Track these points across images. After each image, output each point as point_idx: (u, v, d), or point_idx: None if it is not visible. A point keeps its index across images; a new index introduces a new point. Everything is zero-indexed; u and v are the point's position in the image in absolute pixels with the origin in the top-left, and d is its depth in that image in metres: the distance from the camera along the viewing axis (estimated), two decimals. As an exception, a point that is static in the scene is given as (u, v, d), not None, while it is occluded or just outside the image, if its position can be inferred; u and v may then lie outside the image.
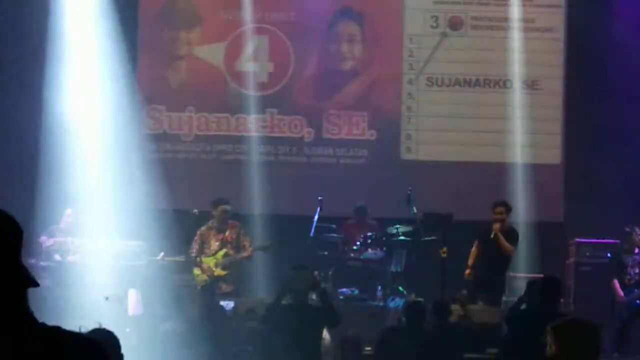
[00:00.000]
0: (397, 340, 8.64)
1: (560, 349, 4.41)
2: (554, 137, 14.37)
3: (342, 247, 13.13)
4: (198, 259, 11.66)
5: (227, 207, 11.76)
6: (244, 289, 12.17)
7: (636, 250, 12.05)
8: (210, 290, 11.48)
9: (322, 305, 8.31)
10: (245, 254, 11.70)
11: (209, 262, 11.67)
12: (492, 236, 11.60)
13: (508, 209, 11.79)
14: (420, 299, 9.69)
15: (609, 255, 12.49)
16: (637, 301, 11.82)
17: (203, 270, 11.64)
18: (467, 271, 11.77)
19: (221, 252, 11.69)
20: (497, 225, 11.61)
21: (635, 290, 11.85)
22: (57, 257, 11.74)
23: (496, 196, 13.69)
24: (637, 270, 11.96)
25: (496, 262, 11.68)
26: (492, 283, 11.72)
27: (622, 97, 13.95)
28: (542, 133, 14.42)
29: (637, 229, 12.13)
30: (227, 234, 11.76)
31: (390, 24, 14.71)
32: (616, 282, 11.94)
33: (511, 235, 11.75)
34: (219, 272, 11.64)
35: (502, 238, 11.59)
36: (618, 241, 12.47)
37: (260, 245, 11.85)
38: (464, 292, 10.49)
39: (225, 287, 11.62)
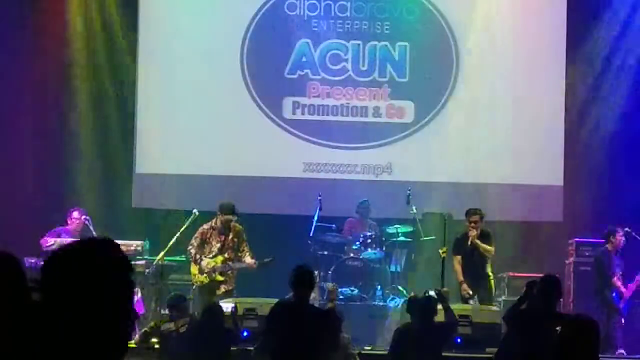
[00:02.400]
0: (408, 338, 8.64)
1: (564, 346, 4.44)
2: (554, 137, 14.35)
3: (342, 247, 13.14)
4: (198, 256, 11.58)
5: (233, 217, 11.63)
6: (244, 289, 12.16)
7: (619, 250, 12.16)
8: (208, 290, 11.44)
9: (326, 306, 8.34)
10: (244, 265, 11.58)
11: (208, 264, 11.63)
12: (469, 243, 11.65)
13: (482, 216, 11.84)
14: (430, 294, 9.65)
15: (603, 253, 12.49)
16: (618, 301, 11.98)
17: (202, 270, 11.58)
18: (464, 286, 11.69)
19: (220, 258, 11.58)
20: (473, 233, 11.67)
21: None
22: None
23: (496, 195, 13.74)
24: (619, 271, 12.10)
25: (480, 266, 11.73)
26: (484, 286, 11.77)
27: (622, 100, 14.01)
28: (542, 133, 14.42)
29: (619, 230, 12.19)
30: (229, 237, 11.67)
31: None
32: (617, 279, 12.05)
33: (487, 237, 11.82)
34: (217, 277, 11.59)
35: (480, 244, 11.66)
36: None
37: (263, 261, 11.69)
38: (445, 289, 10.46)
39: (224, 287, 11.58)
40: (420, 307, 8.91)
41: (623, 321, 11.97)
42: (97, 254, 2.35)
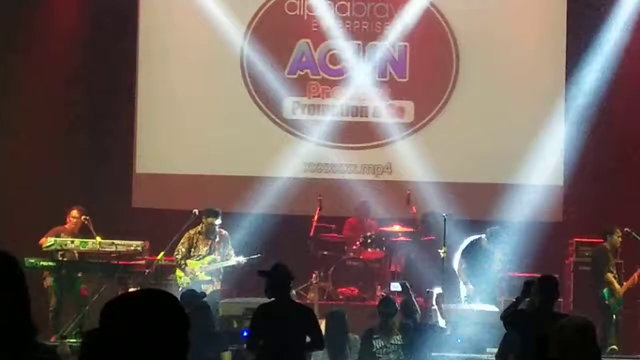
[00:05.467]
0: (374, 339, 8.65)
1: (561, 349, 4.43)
2: (554, 137, 14.34)
3: (342, 247, 13.15)
4: (183, 261, 11.68)
5: (215, 220, 11.73)
6: (244, 289, 12.18)
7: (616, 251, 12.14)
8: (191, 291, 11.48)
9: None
10: (231, 263, 11.70)
11: (193, 265, 11.69)
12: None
13: None
14: (390, 296, 9.72)
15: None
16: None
17: (186, 273, 11.67)
18: (469, 286, 11.80)
19: (208, 258, 11.70)
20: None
21: None
22: (59, 256, 11.76)
23: (496, 195, 13.73)
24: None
25: (487, 269, 11.79)
26: (486, 288, 11.81)
27: (622, 100, 14.02)
28: (543, 132, 14.42)
29: (618, 230, 12.17)
30: (215, 241, 11.79)
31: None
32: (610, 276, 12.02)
33: None
34: (202, 276, 11.66)
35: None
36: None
37: (250, 257, 11.77)
38: (438, 289, 10.48)
39: (211, 287, 11.64)
40: (378, 306, 8.97)
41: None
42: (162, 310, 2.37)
